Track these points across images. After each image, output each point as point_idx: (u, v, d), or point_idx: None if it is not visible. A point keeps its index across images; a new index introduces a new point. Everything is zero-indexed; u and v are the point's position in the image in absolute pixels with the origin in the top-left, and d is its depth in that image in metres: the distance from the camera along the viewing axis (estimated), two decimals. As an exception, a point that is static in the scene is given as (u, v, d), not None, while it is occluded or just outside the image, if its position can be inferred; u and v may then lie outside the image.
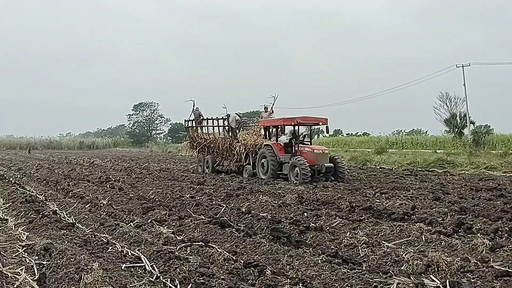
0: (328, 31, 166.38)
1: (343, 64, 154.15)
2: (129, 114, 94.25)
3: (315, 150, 16.00)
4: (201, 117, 21.24)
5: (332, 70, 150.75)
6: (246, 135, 19.31)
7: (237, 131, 19.46)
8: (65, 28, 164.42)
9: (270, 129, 18.60)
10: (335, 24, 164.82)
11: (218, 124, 20.35)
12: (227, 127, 19.49)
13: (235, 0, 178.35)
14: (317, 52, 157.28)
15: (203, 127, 21.36)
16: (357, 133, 72.49)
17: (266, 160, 16.65)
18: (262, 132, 18.78)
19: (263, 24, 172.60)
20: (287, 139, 17.76)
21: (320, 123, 16.90)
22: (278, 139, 17.53)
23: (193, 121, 21.66)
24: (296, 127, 17.00)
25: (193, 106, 21.35)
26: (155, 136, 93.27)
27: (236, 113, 19.86)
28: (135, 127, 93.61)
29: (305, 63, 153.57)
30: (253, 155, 17.97)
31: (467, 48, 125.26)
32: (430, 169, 20.91)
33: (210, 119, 20.86)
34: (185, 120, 22.34)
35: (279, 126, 17.79)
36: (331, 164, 15.73)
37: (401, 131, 67.98)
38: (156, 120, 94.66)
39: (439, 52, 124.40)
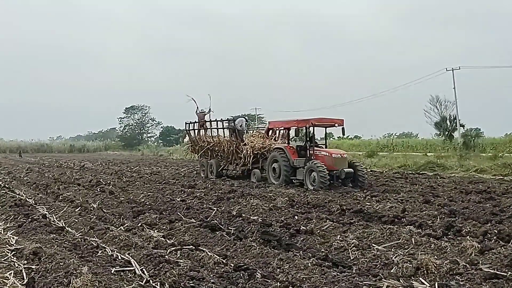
0: (314, 35, 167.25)
1: (330, 67, 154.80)
2: (120, 117, 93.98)
3: (333, 154, 14.81)
4: (207, 117, 20.53)
5: (319, 73, 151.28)
6: (253, 138, 18.63)
7: (244, 134, 18.79)
8: (54, 30, 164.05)
9: (278, 131, 18.17)
10: (321, 28, 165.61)
11: (223, 126, 19.43)
12: (232, 129, 18.61)
13: (218, 4, 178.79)
14: (303, 55, 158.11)
15: (206, 130, 20.54)
16: (348, 136, 72.68)
17: (278, 164, 15.71)
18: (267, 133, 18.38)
19: (247, 27, 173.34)
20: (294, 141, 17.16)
21: (336, 125, 15.75)
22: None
23: (195, 124, 20.89)
24: (311, 129, 15.88)
25: (197, 106, 20.85)
26: (146, 139, 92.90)
27: (243, 117, 19.52)
28: (126, 130, 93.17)
29: (291, 66, 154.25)
30: (262, 158, 17.41)
31: (457, 52, 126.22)
32: (421, 172, 21.01)
33: (213, 121, 20.18)
34: (186, 123, 21.39)
35: (291, 128, 16.92)
36: (351, 170, 14.59)
37: (391, 134, 68.29)
38: (147, 123, 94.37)
39: (429, 56, 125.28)
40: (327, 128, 17.12)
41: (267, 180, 16.43)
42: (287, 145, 16.42)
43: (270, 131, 18.67)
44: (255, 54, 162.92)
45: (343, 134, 16.23)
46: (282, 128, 17.94)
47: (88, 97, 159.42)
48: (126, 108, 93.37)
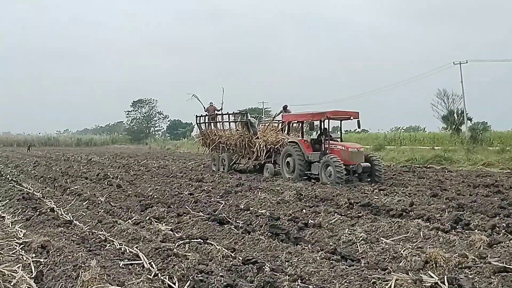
0: (318, 29, 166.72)
1: (338, 62, 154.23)
2: (127, 111, 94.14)
3: (349, 148, 14.35)
4: (216, 111, 20.31)
5: (324, 68, 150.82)
6: (266, 131, 18.34)
7: (256, 129, 18.44)
8: (59, 24, 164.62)
9: (292, 125, 17.89)
10: (326, 22, 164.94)
11: (235, 119, 19.24)
12: (245, 123, 18.25)
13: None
14: (308, 50, 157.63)
15: (217, 123, 20.32)
16: (356, 129, 72.40)
17: (292, 158, 15.23)
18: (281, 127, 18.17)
19: (253, 22, 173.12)
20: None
21: (352, 118, 15.17)
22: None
23: (205, 117, 20.69)
24: (326, 122, 15.32)
25: (201, 102, 20.69)
26: (153, 133, 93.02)
27: (252, 116, 19.37)
28: (133, 124, 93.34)
29: (296, 60, 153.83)
30: (275, 152, 17.14)
31: (464, 46, 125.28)
32: (428, 166, 20.91)
33: (225, 114, 19.95)
34: (196, 116, 21.10)
35: (305, 121, 16.58)
36: (368, 164, 14.12)
37: (399, 128, 67.91)
38: (154, 117, 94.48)
39: (437, 50, 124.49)
40: (342, 122, 16.51)
41: (280, 175, 16.18)
42: (301, 138, 16.11)
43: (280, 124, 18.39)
44: (262, 48, 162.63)
45: (359, 127, 15.83)
46: (296, 121, 17.67)
47: (95, 91, 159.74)
48: (133, 101, 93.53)
